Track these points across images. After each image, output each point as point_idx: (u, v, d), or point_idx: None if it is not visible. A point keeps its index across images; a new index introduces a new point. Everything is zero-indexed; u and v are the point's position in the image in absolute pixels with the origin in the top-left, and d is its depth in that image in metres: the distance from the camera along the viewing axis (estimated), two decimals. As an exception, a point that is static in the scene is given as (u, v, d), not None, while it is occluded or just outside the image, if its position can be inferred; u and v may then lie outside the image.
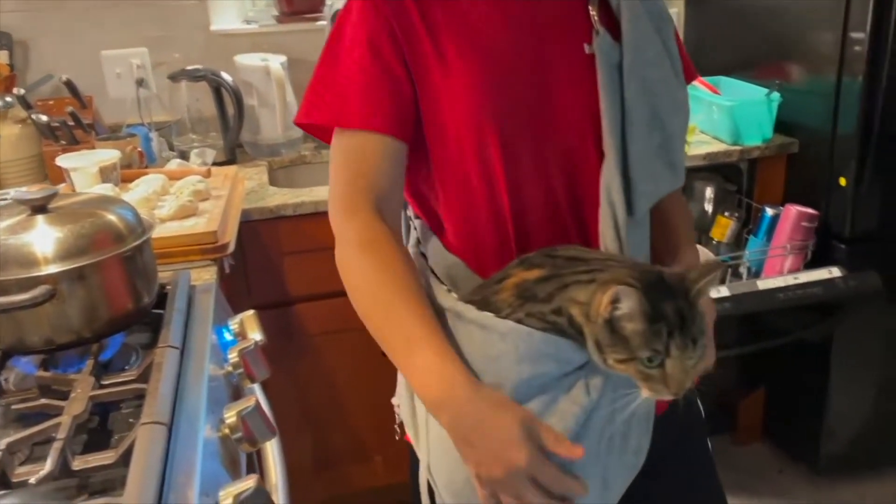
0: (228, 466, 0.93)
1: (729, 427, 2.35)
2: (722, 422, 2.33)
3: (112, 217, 1.09)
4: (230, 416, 0.97)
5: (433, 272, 0.95)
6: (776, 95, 1.93)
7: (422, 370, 0.81)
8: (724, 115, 1.95)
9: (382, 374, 1.88)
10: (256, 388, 1.19)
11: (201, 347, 1.08)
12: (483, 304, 0.85)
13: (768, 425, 2.31)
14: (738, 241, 2.01)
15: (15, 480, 0.81)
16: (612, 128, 0.88)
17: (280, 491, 1.05)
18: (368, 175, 0.89)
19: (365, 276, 0.87)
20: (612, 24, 0.91)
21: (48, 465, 0.80)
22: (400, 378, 0.99)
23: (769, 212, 1.89)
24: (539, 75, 0.89)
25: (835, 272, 1.75)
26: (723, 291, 1.66)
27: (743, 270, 1.90)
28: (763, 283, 1.70)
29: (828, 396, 2.04)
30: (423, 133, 0.91)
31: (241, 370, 1.12)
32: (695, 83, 2.03)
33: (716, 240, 2.01)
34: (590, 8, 0.91)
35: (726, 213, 2.00)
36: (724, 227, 1.99)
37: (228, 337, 1.20)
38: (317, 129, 0.95)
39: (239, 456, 0.99)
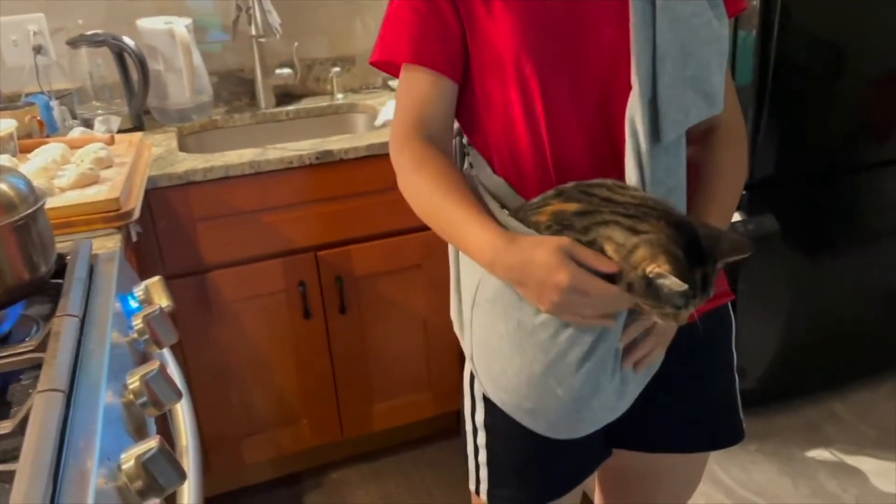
0: (133, 432, 0.94)
1: (647, 371, 2.45)
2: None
3: (2, 186, 1.07)
4: (133, 382, 0.97)
5: (487, 191, 1.03)
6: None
7: (473, 245, 0.93)
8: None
9: (304, 336, 1.91)
10: (166, 352, 1.19)
11: (103, 315, 1.08)
12: (523, 224, 0.94)
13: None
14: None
15: None
16: (640, 60, 0.91)
17: (191, 454, 1.05)
18: (418, 108, 1.01)
19: (419, 191, 1.00)
20: None
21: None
22: (452, 285, 1.08)
23: (675, 161, 1.95)
24: (576, 12, 0.94)
25: (735, 216, 1.82)
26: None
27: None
28: (668, 230, 1.77)
29: (737, 336, 2.14)
30: (471, 69, 1.00)
31: (146, 336, 1.11)
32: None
33: (627, 190, 2.07)
34: None
35: (636, 164, 2.06)
36: (634, 178, 2.05)
37: (134, 304, 1.19)
38: (387, 65, 1.05)
39: (145, 421, 0.99)
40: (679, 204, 0.97)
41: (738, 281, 2.06)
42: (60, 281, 1.12)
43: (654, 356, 0.99)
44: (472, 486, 1.13)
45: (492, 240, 0.91)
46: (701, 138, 1.06)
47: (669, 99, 0.92)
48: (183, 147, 1.95)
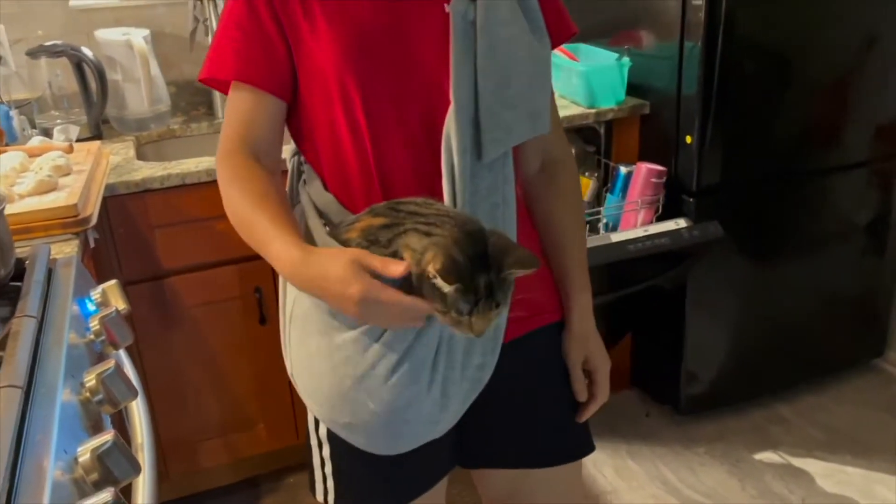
0: (90, 428, 0.96)
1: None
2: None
3: (-39, 192, 1.09)
4: (90, 380, 1.00)
5: (315, 207, 1.03)
6: (626, 60, 2.07)
7: (276, 259, 0.93)
8: (580, 79, 2.07)
9: (260, 342, 1.93)
10: (122, 354, 1.22)
11: (61, 317, 1.10)
12: (336, 241, 0.95)
13: (636, 372, 2.49)
14: (599, 199, 2.14)
15: None
16: (460, 79, 0.95)
17: (146, 450, 1.08)
18: (243, 125, 1.00)
19: (234, 204, 0.99)
20: None
21: None
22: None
23: (623, 170, 2.03)
24: (400, 34, 0.97)
25: (681, 223, 1.91)
26: (579, 245, 1.78)
27: (601, 226, 2.04)
28: (616, 237, 1.84)
29: (685, 341, 2.22)
30: (300, 87, 1.00)
31: (103, 337, 1.14)
32: (555, 51, 2.15)
33: (578, 199, 2.13)
34: None
35: (586, 174, 2.14)
36: (584, 187, 2.13)
37: (91, 307, 1.22)
38: (215, 83, 1.04)
39: (102, 418, 1.02)
40: (507, 220, 1.01)
41: (687, 287, 2.14)
42: (19, 284, 1.14)
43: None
44: (319, 497, 1.13)
45: (291, 254, 0.90)
46: (535, 177, 1.12)
47: (490, 117, 0.96)
48: (141, 156, 1.97)
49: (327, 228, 1.00)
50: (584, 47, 2.28)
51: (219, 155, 1.02)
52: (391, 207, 0.94)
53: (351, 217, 0.98)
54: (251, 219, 0.96)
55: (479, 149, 0.97)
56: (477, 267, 0.84)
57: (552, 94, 1.11)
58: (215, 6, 2.01)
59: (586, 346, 1.15)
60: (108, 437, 0.87)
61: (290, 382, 1.95)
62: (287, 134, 1.08)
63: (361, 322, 0.93)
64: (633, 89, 2.15)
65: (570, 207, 1.14)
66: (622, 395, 2.50)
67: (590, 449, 1.19)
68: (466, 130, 0.95)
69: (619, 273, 1.95)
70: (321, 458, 1.11)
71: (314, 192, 1.04)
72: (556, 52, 2.15)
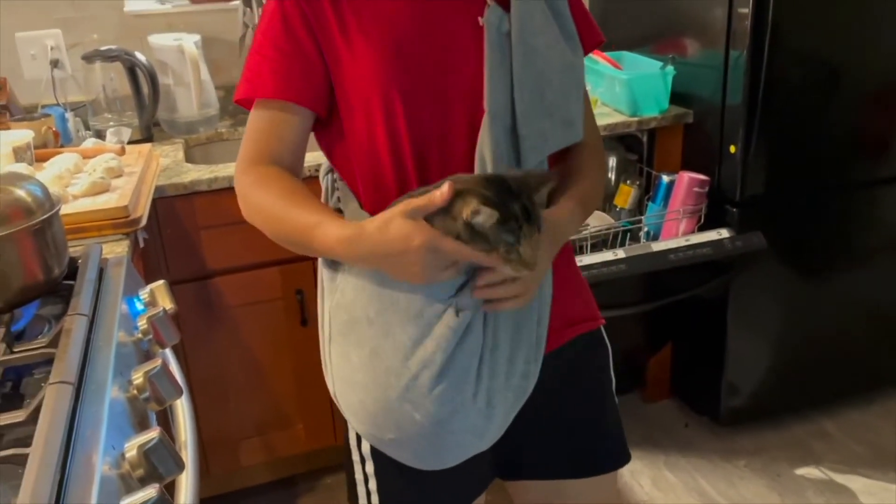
0: (136, 425, 0.99)
1: (639, 384, 2.50)
2: (632, 380, 2.48)
3: (21, 192, 1.13)
4: (137, 378, 1.03)
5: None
6: (670, 69, 2.05)
7: (323, 242, 0.93)
8: (623, 87, 2.07)
9: (301, 343, 1.97)
10: (168, 352, 1.25)
11: (111, 315, 1.14)
12: None
13: (675, 382, 2.47)
14: (640, 208, 2.13)
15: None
16: (496, 90, 0.96)
17: (189, 448, 1.11)
18: (271, 140, 1.00)
19: (263, 204, 0.99)
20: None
21: (-41, 423, 0.86)
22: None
23: (665, 179, 2.02)
24: (436, 47, 0.97)
25: (723, 233, 1.89)
26: (619, 254, 1.78)
27: (642, 235, 2.03)
28: (657, 246, 1.83)
29: (726, 352, 2.19)
30: (338, 105, 1.00)
31: (150, 336, 1.18)
32: (597, 58, 2.16)
33: (618, 206, 2.13)
34: None
35: (628, 182, 2.13)
36: (625, 195, 2.12)
37: (139, 306, 1.26)
38: (247, 103, 1.03)
39: (148, 415, 1.05)
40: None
41: (729, 298, 2.11)
42: (72, 283, 1.18)
43: (507, 304, 0.94)
44: None
45: (342, 232, 0.90)
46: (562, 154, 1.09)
47: (528, 126, 0.96)
48: (189, 158, 2.02)
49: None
50: (628, 55, 2.27)
51: (241, 166, 1.01)
52: (422, 191, 0.94)
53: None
54: (284, 213, 0.96)
55: (518, 157, 0.97)
56: (507, 195, 0.87)
57: (585, 95, 1.11)
58: (264, 13, 2.05)
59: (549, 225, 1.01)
60: (154, 434, 0.90)
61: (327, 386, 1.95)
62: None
63: (404, 326, 0.93)
64: (677, 98, 2.13)
65: (589, 162, 1.09)
66: (661, 404, 2.48)
67: (626, 459, 1.18)
68: (502, 139, 0.96)
69: (660, 282, 1.94)
70: (364, 473, 1.11)
71: (349, 212, 1.04)
72: (599, 59, 2.16)
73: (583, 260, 1.75)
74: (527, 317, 0.99)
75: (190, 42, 2.02)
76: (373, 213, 0.99)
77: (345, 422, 1.10)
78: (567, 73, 1.00)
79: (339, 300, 1.02)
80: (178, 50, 2.01)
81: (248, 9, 2.06)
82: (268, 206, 0.98)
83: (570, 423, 1.13)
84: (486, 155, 0.96)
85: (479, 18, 0.97)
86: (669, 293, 1.95)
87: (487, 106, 0.96)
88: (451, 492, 1.09)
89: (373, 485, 1.10)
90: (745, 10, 1.87)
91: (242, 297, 1.87)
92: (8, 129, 1.81)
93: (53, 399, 0.89)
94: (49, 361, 0.99)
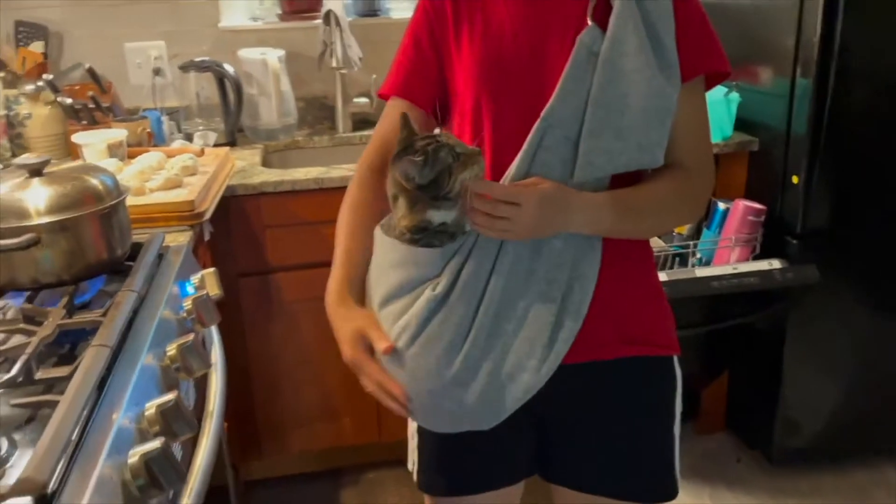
0: (165, 390, 1.11)
1: (693, 415, 2.46)
2: (686, 409, 2.44)
3: (94, 181, 1.29)
4: (171, 350, 1.16)
5: None
6: (735, 95, 2.05)
7: (328, 287, 1.13)
8: (686, 114, 2.07)
9: (353, 340, 2.07)
10: (213, 331, 1.38)
11: (160, 294, 1.28)
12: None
13: (731, 415, 2.42)
14: (698, 234, 2.13)
15: (-11, 383, 1.01)
16: (563, 100, 1.01)
17: (215, 417, 1.22)
18: (387, 134, 1.14)
19: (339, 218, 1.18)
20: (608, 19, 1.03)
21: (13, 371, 1.00)
22: None
23: (721, 206, 2.01)
24: (534, 59, 1.06)
25: (775, 264, 1.86)
26: (661, 276, 1.79)
27: (694, 261, 2.02)
28: (700, 271, 1.82)
29: (782, 387, 2.14)
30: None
31: (193, 316, 1.31)
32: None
33: (676, 232, 2.13)
34: (589, 7, 1.04)
35: (687, 207, 2.12)
36: (684, 221, 2.11)
37: (189, 289, 1.39)
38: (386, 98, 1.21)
39: (179, 384, 1.17)
40: (591, 245, 1.04)
41: (786, 331, 2.07)
42: (132, 263, 1.33)
43: (482, 223, 0.98)
44: (410, 466, 1.25)
45: (332, 291, 1.11)
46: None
47: (591, 142, 1.00)
48: (267, 163, 2.18)
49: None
50: (698, 81, 2.27)
51: (360, 159, 1.20)
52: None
53: None
54: (339, 234, 1.16)
55: (572, 169, 1.01)
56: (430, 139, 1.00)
57: (697, 118, 1.11)
58: (341, 33, 2.20)
59: (554, 185, 1.01)
60: (172, 396, 1.02)
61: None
62: None
63: (397, 299, 1.04)
64: (744, 125, 2.12)
65: (667, 178, 1.07)
66: (715, 437, 2.43)
67: (669, 496, 1.16)
68: (560, 149, 1.01)
69: (711, 308, 1.93)
70: (412, 430, 1.23)
71: None
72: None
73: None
74: (539, 310, 1.02)
75: (274, 56, 2.18)
76: None
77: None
78: (653, 99, 1.01)
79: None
80: (262, 63, 2.18)
81: (327, 28, 2.21)
82: (341, 214, 1.18)
83: (615, 444, 1.14)
84: (521, 156, 1.01)
85: (578, 37, 1.02)
86: (719, 319, 1.93)
87: (545, 112, 1.01)
88: (477, 468, 1.16)
89: (415, 442, 1.23)
90: (814, 39, 1.86)
91: (301, 293, 2.00)
92: (109, 127, 2.02)
93: (91, 358, 1.02)
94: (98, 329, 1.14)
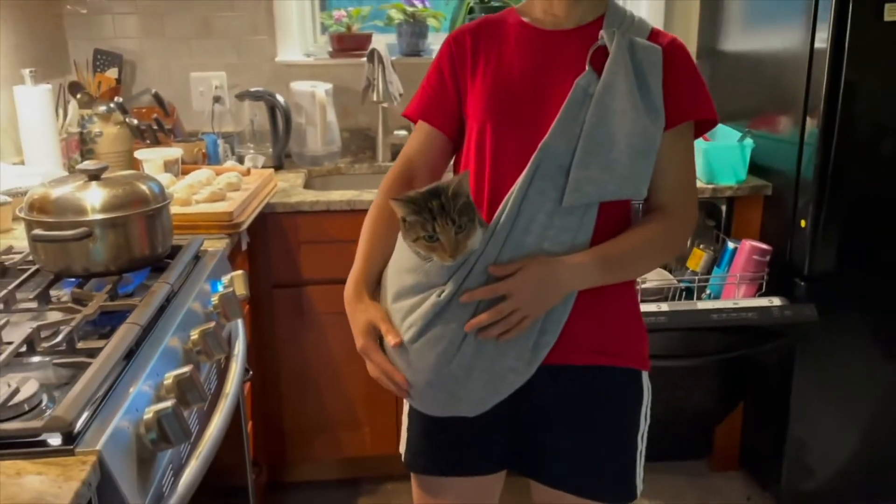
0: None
1: (707, 452, 2.50)
2: (700, 447, 2.49)
3: (143, 187, 1.48)
4: (194, 335, 1.32)
5: None
6: (749, 141, 2.14)
7: (347, 282, 1.28)
8: (701, 156, 2.18)
9: (375, 353, 2.21)
10: (239, 325, 1.55)
11: (191, 289, 1.45)
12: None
13: (744, 453, 2.45)
14: (710, 271, 2.21)
15: (38, 349, 1.19)
16: (559, 133, 1.14)
17: (230, 397, 1.38)
18: (414, 151, 1.31)
19: (365, 221, 1.31)
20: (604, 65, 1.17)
21: (58, 339, 1.18)
22: None
23: (730, 245, 2.10)
24: (536, 98, 1.20)
25: (775, 301, 1.93)
26: (663, 307, 1.89)
27: (704, 296, 2.11)
28: (702, 304, 1.91)
29: (789, 429, 2.18)
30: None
31: (220, 310, 1.48)
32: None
33: (690, 269, 2.22)
34: (588, 52, 1.18)
35: (701, 246, 2.22)
36: (697, 258, 2.21)
37: (219, 288, 1.56)
38: (411, 119, 1.35)
39: (200, 366, 1.33)
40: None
41: (794, 370, 2.12)
42: (171, 261, 1.51)
43: (492, 331, 1.10)
44: (400, 448, 1.38)
45: (350, 285, 1.26)
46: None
47: (581, 171, 1.13)
48: (309, 186, 2.36)
49: None
50: (721, 127, 2.36)
51: (388, 175, 1.32)
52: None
53: None
54: (362, 237, 1.30)
55: (561, 194, 1.13)
56: (431, 195, 1.10)
57: (680, 159, 1.22)
58: (383, 70, 2.39)
59: (541, 262, 1.14)
60: (187, 369, 1.18)
61: (396, 396, 2.24)
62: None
63: (406, 297, 1.16)
64: (758, 170, 2.21)
65: (647, 227, 1.21)
66: (727, 474, 2.47)
67: (631, 497, 1.27)
68: (553, 176, 1.14)
69: (716, 339, 1.99)
70: (406, 415, 1.36)
71: None
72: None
73: (626, 307, 1.88)
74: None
75: (322, 89, 2.38)
76: None
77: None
78: (638, 137, 1.14)
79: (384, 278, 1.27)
80: (311, 95, 2.38)
81: (371, 65, 2.41)
82: (366, 221, 1.31)
83: (580, 444, 1.24)
84: (520, 182, 1.14)
85: (576, 80, 1.16)
86: (724, 351, 2.00)
87: (542, 144, 1.14)
88: (456, 453, 1.28)
89: (406, 424, 1.36)
90: (822, 88, 1.95)
91: (330, 306, 2.15)
92: (169, 146, 2.24)
93: (123, 332, 1.18)
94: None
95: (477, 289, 1.12)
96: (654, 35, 1.22)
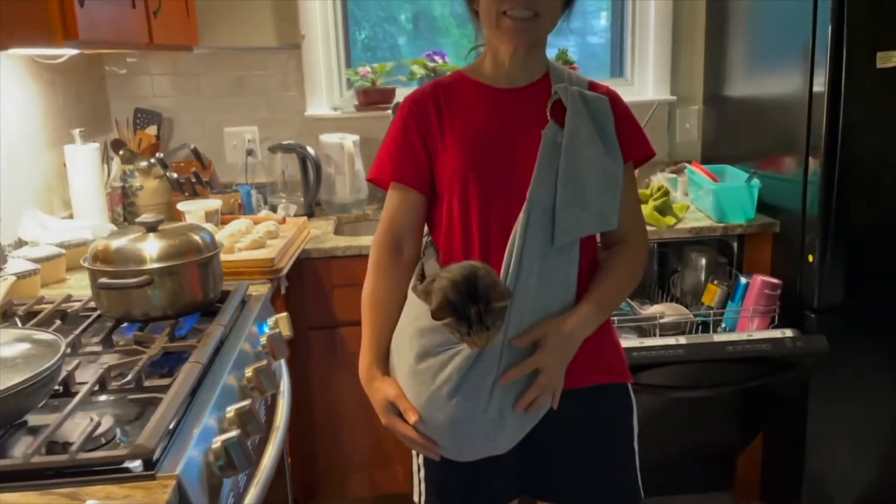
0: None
1: (730, 483, 2.56)
2: (723, 479, 2.56)
3: (196, 237, 1.61)
4: (248, 372, 1.44)
5: (423, 272, 1.39)
6: (756, 182, 2.26)
7: (360, 356, 1.40)
8: (712, 197, 2.30)
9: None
10: (282, 364, 1.66)
11: (242, 330, 1.57)
12: (416, 291, 1.32)
13: (765, 485, 2.51)
14: (724, 306, 2.31)
15: (109, 387, 1.30)
16: (539, 183, 1.27)
17: (279, 431, 1.48)
18: (394, 215, 1.38)
19: (365, 291, 1.42)
20: (562, 118, 1.31)
21: (127, 378, 1.29)
22: None
23: (743, 280, 2.20)
24: (507, 150, 1.32)
25: (787, 333, 2.03)
26: (681, 340, 1.99)
27: (720, 329, 2.20)
28: (718, 337, 2.01)
29: (806, 460, 2.25)
30: (436, 186, 1.37)
31: (268, 350, 1.59)
32: (697, 170, 2.41)
33: (705, 304, 2.32)
34: (547, 107, 1.32)
35: (715, 282, 2.32)
36: (712, 293, 2.31)
37: (266, 329, 1.68)
38: (378, 182, 1.42)
39: (254, 402, 1.44)
40: (567, 292, 1.29)
41: (808, 407, 2.20)
42: (221, 305, 1.63)
43: (539, 402, 1.26)
44: (415, 498, 1.46)
45: (364, 365, 1.38)
46: (609, 251, 1.38)
47: (565, 213, 1.26)
48: (339, 232, 2.49)
49: (419, 282, 1.35)
50: (729, 169, 2.50)
51: (374, 239, 1.41)
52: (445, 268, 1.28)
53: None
54: (365, 314, 1.40)
55: (552, 236, 1.27)
56: (470, 298, 1.17)
57: (632, 195, 1.40)
58: (408, 120, 2.54)
59: (556, 329, 1.27)
60: (246, 403, 1.29)
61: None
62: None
63: (434, 356, 1.26)
64: (767, 208, 2.32)
65: (619, 261, 1.37)
66: (748, 505, 2.53)
67: (637, 499, 1.40)
68: (541, 220, 1.26)
69: (733, 371, 2.08)
70: (418, 465, 1.45)
71: (429, 266, 1.38)
72: (698, 171, 2.41)
73: (645, 342, 1.98)
74: None
75: (349, 140, 2.53)
76: (444, 263, 1.34)
77: None
78: (604, 177, 1.30)
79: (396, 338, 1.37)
80: (339, 146, 2.53)
81: (396, 117, 2.56)
82: (364, 299, 1.41)
83: (586, 457, 1.37)
84: (518, 231, 1.27)
85: (542, 132, 1.30)
86: (741, 382, 2.09)
87: (529, 195, 1.26)
88: (479, 489, 1.38)
89: (422, 474, 1.44)
90: (822, 128, 2.07)
91: (361, 346, 2.26)
92: (207, 198, 2.38)
93: (187, 370, 1.30)
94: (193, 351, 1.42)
95: (511, 369, 1.25)
96: (592, 86, 1.37)
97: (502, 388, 1.25)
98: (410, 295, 1.34)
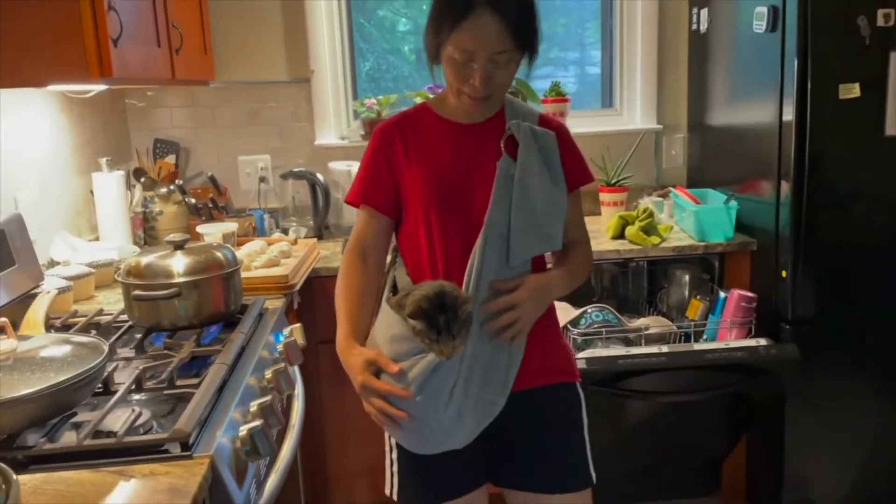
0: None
1: (716, 490, 2.69)
2: (710, 485, 2.69)
3: (219, 254, 1.79)
4: (268, 374, 1.60)
5: (395, 284, 1.55)
6: (734, 204, 2.43)
7: (337, 335, 1.49)
8: (693, 218, 2.47)
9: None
10: (296, 370, 1.82)
11: (261, 339, 1.73)
12: (390, 304, 1.46)
13: (750, 489, 2.65)
14: (705, 318, 2.47)
15: (144, 386, 1.47)
16: (496, 210, 1.41)
17: (295, 428, 1.64)
18: (362, 232, 1.54)
19: (337, 287, 1.54)
20: (515, 150, 1.48)
21: (162, 376, 1.46)
22: None
23: (722, 294, 2.36)
24: (466, 180, 1.46)
25: (761, 342, 2.18)
26: (664, 349, 2.14)
27: (701, 340, 2.36)
28: (698, 346, 2.17)
29: (785, 463, 2.39)
30: (402, 208, 1.52)
31: (284, 356, 1.75)
32: (681, 194, 2.58)
33: (689, 318, 2.48)
34: (501, 141, 1.49)
35: (698, 297, 2.48)
36: (695, 308, 2.47)
37: (282, 338, 1.84)
38: (352, 204, 1.57)
39: (275, 401, 1.60)
40: None
41: (785, 414, 2.35)
42: (241, 317, 1.80)
43: (506, 334, 1.39)
44: (387, 491, 1.60)
45: (341, 338, 1.47)
46: (561, 250, 1.53)
47: (518, 236, 1.42)
48: (346, 253, 2.66)
49: (392, 294, 1.51)
50: (711, 192, 2.67)
51: (346, 248, 1.56)
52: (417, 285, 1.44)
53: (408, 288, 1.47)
54: (339, 302, 1.51)
55: (507, 256, 1.42)
56: (440, 308, 1.32)
57: (579, 212, 1.58)
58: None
59: (535, 278, 1.45)
60: (268, 398, 1.45)
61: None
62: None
63: (403, 360, 1.38)
64: (744, 228, 2.49)
65: (573, 255, 1.54)
66: (733, 509, 2.66)
67: (590, 483, 1.56)
68: (497, 243, 1.41)
69: (712, 377, 2.22)
70: (391, 459, 1.60)
71: (399, 276, 1.54)
72: (681, 195, 2.58)
73: (631, 351, 2.14)
74: (496, 362, 1.43)
75: (356, 167, 2.70)
76: (413, 277, 1.50)
77: None
78: (552, 204, 1.46)
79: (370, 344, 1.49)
80: (347, 173, 2.71)
81: (399, 145, 2.74)
82: (337, 292, 1.53)
83: (542, 448, 1.52)
84: (477, 252, 1.42)
85: (497, 163, 1.44)
86: (720, 388, 2.23)
87: (486, 220, 1.42)
88: (445, 479, 1.53)
89: (395, 467, 1.58)
90: (791, 154, 2.24)
91: (367, 359, 2.42)
92: (223, 222, 2.56)
93: (214, 371, 1.46)
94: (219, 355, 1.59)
95: (492, 301, 1.39)
96: (543, 120, 1.53)
97: (461, 391, 1.39)
98: (384, 305, 1.48)
